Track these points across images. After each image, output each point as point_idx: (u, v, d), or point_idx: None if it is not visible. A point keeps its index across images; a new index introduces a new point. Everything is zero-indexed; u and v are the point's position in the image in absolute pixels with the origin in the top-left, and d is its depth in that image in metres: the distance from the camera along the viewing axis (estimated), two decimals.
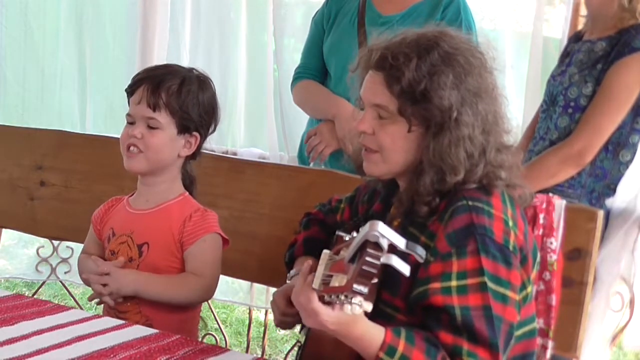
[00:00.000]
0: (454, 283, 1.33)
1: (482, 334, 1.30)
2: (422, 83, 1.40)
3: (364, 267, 1.12)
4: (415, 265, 1.35)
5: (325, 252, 1.30)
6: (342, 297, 1.14)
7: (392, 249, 1.16)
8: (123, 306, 1.84)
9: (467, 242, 1.35)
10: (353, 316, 1.21)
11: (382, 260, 1.12)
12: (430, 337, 1.31)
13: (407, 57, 1.41)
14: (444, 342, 1.30)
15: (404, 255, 1.17)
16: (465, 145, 1.40)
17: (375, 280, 1.13)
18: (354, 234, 1.21)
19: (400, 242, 1.16)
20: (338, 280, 1.17)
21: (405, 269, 1.15)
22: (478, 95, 1.43)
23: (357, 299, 1.14)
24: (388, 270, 1.17)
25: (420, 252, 1.18)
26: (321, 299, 1.22)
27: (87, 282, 1.86)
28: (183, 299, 1.84)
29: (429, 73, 1.40)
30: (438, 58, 1.41)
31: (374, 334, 1.27)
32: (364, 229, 1.15)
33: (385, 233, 1.14)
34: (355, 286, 1.12)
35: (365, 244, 1.14)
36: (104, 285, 1.79)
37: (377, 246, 1.14)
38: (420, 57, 1.41)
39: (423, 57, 1.41)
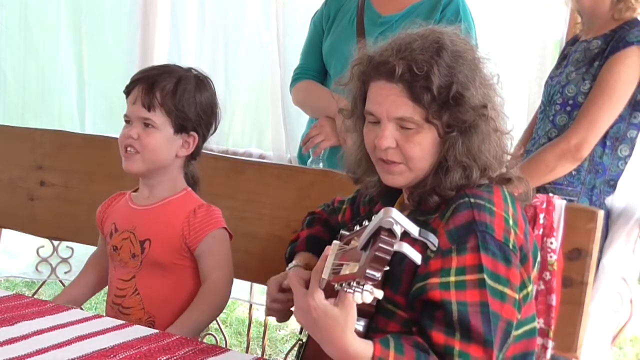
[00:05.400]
0: (452, 279, 1.33)
1: (477, 330, 1.29)
2: (453, 87, 1.38)
3: (378, 253, 1.11)
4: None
5: (336, 242, 1.28)
6: (354, 284, 1.13)
7: (404, 237, 1.15)
8: (126, 302, 1.85)
9: (467, 238, 1.35)
10: (343, 316, 1.20)
11: (395, 247, 1.12)
12: (418, 342, 1.30)
13: (429, 64, 1.38)
14: (436, 342, 1.29)
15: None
16: (493, 139, 1.42)
17: (387, 268, 1.12)
18: (366, 222, 1.20)
19: (414, 229, 1.15)
20: (349, 269, 1.17)
21: (416, 257, 1.15)
22: (491, 88, 1.44)
23: (368, 286, 1.12)
24: (389, 266, 1.16)
25: (432, 240, 1.18)
26: (331, 288, 1.21)
27: None
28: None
29: (451, 75, 1.39)
30: (450, 58, 1.40)
31: (362, 348, 1.25)
32: (378, 216, 1.14)
33: (399, 220, 1.13)
34: (368, 271, 1.10)
35: (379, 231, 1.13)
36: None
37: (391, 233, 1.13)
38: (437, 62, 1.38)
39: (439, 60, 1.39)
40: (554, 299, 1.67)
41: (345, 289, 1.15)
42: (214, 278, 1.82)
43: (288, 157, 3.06)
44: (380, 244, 1.11)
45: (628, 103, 2.13)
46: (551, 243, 1.68)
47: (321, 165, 2.37)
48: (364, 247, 1.16)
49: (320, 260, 1.27)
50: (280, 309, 1.62)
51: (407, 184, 1.48)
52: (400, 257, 1.15)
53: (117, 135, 1.88)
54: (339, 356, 1.25)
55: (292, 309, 1.33)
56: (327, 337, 1.24)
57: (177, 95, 1.81)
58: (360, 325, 1.35)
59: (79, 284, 2.02)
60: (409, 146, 1.42)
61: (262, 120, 3.28)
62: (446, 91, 1.38)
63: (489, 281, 1.32)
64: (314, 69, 2.50)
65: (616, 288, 2.22)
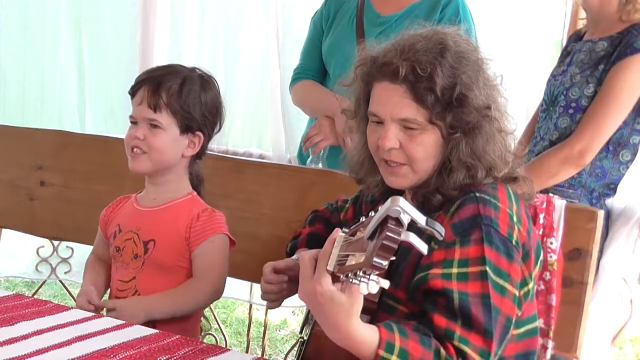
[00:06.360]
0: (454, 270, 1.33)
1: (477, 320, 1.30)
2: (456, 88, 1.38)
3: (385, 242, 1.10)
4: (418, 256, 1.36)
5: (341, 234, 1.28)
6: (360, 273, 1.12)
7: (411, 227, 1.14)
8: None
9: (472, 231, 1.36)
10: (349, 302, 1.19)
11: (402, 237, 1.11)
12: (418, 326, 1.30)
13: (432, 65, 1.38)
14: (437, 325, 1.30)
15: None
16: (498, 139, 1.43)
17: (393, 258, 1.12)
18: (372, 213, 1.20)
19: (421, 218, 1.15)
20: (355, 259, 1.16)
21: (423, 247, 1.14)
22: (495, 88, 1.45)
23: (374, 276, 1.11)
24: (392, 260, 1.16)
25: (439, 229, 1.17)
26: (336, 280, 1.20)
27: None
28: (193, 308, 1.85)
29: (455, 76, 1.39)
30: (453, 59, 1.40)
31: (368, 334, 1.25)
32: (385, 205, 1.13)
33: (407, 209, 1.12)
34: (375, 260, 1.10)
35: (386, 219, 1.12)
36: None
37: (398, 222, 1.12)
38: (441, 63, 1.39)
39: (442, 61, 1.39)
40: (554, 299, 1.67)
41: (351, 280, 1.14)
42: (199, 284, 1.83)
43: (288, 157, 3.06)
44: (387, 233, 1.10)
45: (632, 109, 2.12)
46: (551, 243, 1.68)
47: (320, 165, 2.37)
48: (371, 237, 1.15)
49: (327, 244, 1.25)
50: (274, 290, 1.63)
51: (411, 186, 1.48)
52: (402, 251, 1.15)
53: (118, 135, 1.89)
54: (344, 342, 1.24)
55: (296, 294, 1.31)
56: (332, 322, 1.23)
57: (182, 95, 1.82)
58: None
59: (93, 283, 1.95)
60: (412, 147, 1.43)
61: (262, 120, 3.28)
62: (450, 92, 1.39)
63: (491, 274, 1.33)
64: (314, 68, 2.50)
65: (616, 288, 2.22)
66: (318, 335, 1.52)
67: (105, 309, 1.78)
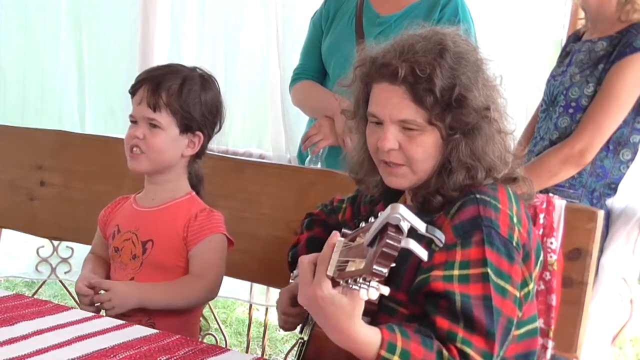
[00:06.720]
0: (456, 272, 1.33)
1: (479, 322, 1.30)
2: (455, 89, 1.38)
3: (385, 249, 1.10)
4: (419, 259, 1.36)
5: (340, 239, 1.28)
6: (360, 280, 1.13)
7: (411, 234, 1.15)
8: None
9: (472, 233, 1.36)
10: (351, 305, 1.20)
11: (402, 244, 1.11)
12: (420, 328, 1.31)
13: (431, 66, 1.38)
14: (440, 327, 1.30)
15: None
16: (497, 140, 1.42)
17: (393, 265, 1.12)
18: (372, 219, 1.20)
19: (421, 225, 1.15)
20: (355, 265, 1.16)
21: (423, 253, 1.14)
22: (494, 89, 1.45)
23: (374, 283, 1.12)
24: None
25: (439, 236, 1.17)
26: (336, 285, 1.20)
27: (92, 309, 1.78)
28: (186, 303, 1.84)
29: (454, 77, 1.39)
30: (453, 60, 1.40)
31: (371, 335, 1.25)
32: (385, 212, 1.14)
33: (407, 216, 1.13)
34: (375, 267, 1.10)
35: (386, 227, 1.13)
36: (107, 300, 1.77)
37: (398, 229, 1.13)
38: (440, 64, 1.38)
39: (442, 62, 1.39)
40: (554, 299, 1.67)
41: (351, 286, 1.15)
42: (195, 281, 1.83)
43: (288, 157, 3.07)
44: (387, 240, 1.11)
45: (632, 108, 2.12)
46: (551, 243, 1.68)
47: (319, 164, 2.38)
48: (371, 244, 1.16)
49: (326, 248, 1.24)
50: (295, 322, 1.63)
51: (410, 186, 1.48)
52: (403, 254, 1.15)
53: (118, 135, 1.89)
54: (345, 343, 1.24)
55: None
56: (333, 324, 1.23)
57: (182, 95, 1.82)
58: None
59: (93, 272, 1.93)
60: (411, 148, 1.42)
61: (262, 120, 3.28)
62: (449, 93, 1.39)
63: (492, 276, 1.33)
64: (313, 69, 2.50)
65: (616, 288, 2.22)
66: (318, 336, 1.52)
67: (101, 290, 1.79)
